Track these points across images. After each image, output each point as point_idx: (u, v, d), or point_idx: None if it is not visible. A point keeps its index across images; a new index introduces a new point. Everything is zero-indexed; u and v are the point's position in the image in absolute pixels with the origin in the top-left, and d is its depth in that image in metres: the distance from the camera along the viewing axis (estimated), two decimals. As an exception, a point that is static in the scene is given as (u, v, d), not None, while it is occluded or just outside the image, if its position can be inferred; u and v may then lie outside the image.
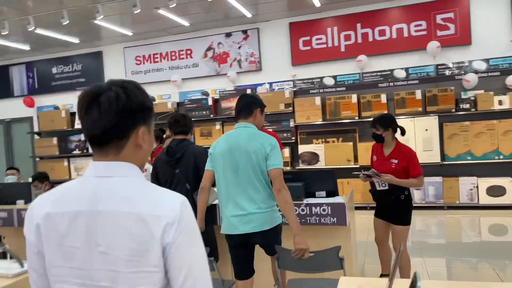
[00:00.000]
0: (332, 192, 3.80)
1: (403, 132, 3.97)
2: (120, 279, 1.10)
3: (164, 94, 9.00)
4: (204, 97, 8.58)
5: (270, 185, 2.85)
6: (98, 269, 1.10)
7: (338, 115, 7.67)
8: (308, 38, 8.07)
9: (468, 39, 7.25)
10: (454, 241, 5.87)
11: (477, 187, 7.05)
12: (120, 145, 1.16)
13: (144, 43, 9.08)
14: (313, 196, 3.80)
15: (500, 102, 6.91)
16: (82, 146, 9.19)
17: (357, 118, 7.56)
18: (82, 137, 9.17)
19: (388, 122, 3.85)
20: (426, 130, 7.17)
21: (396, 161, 3.73)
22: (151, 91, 9.06)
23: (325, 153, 7.67)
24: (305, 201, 3.61)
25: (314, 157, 7.77)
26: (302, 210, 3.55)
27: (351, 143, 7.58)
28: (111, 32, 8.36)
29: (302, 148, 7.86)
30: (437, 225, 6.73)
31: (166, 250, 1.10)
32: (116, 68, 9.31)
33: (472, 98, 7.01)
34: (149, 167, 4.71)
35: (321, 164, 7.70)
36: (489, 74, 7.14)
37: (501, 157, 6.92)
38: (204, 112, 8.33)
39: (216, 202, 3.80)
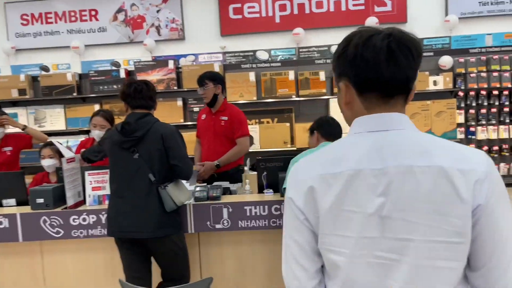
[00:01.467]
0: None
1: None
2: (411, 250, 0.91)
3: (62, 64, 7.27)
4: (114, 68, 7.14)
5: None
6: (381, 238, 0.92)
7: (274, 93, 6.97)
8: (239, 5, 7.13)
9: (404, 17, 7.07)
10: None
11: (412, 168, 7.02)
12: (406, 97, 1.04)
13: (33, -2, 7.22)
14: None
15: (435, 83, 6.89)
16: None
17: (294, 96, 6.94)
18: None
19: None
20: (365, 110, 6.87)
21: None
22: (43, 58, 7.27)
23: (260, 135, 6.95)
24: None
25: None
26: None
27: (287, 124, 6.96)
28: (-13, -21, 6.41)
29: (234, 130, 7.02)
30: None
31: (477, 214, 0.91)
32: (-8, 28, 7.28)
33: (409, 78, 6.88)
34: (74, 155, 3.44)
35: (255, 147, 6.96)
36: (424, 54, 7.07)
37: (434, 137, 6.94)
38: (114, 87, 6.92)
39: (188, 202, 2.82)
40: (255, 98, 6.96)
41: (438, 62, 6.96)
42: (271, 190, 2.94)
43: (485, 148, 7.09)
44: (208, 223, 2.76)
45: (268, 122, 7.12)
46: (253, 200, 2.80)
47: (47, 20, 7.22)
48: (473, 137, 7.07)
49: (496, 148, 7.07)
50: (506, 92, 6.94)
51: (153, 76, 6.92)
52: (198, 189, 2.88)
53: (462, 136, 7.07)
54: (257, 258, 2.88)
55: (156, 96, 2.76)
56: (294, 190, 1.01)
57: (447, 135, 6.90)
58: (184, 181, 2.75)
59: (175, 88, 6.97)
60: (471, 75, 6.94)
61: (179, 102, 7.03)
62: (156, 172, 2.56)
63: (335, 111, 6.88)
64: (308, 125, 4.40)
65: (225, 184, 3.27)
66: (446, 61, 6.89)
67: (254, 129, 6.97)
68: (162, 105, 7.01)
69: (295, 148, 6.92)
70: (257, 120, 7.14)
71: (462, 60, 6.96)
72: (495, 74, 6.90)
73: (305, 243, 0.99)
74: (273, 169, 2.92)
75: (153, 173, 2.55)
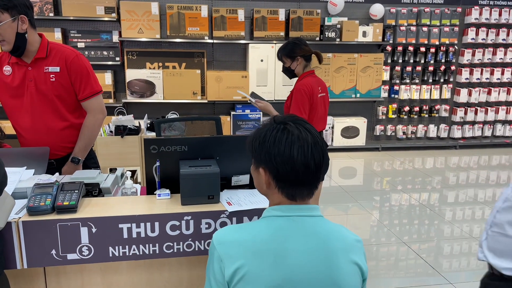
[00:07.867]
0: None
1: (319, 59, 2.98)
2: None
3: None
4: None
5: None
6: None
7: (182, 31, 5.55)
8: None
9: (337, -46, 5.96)
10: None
11: (333, 127, 6.28)
12: None
13: None
14: (229, 184, 1.94)
15: (364, 34, 6.02)
16: None
17: (207, 38, 5.61)
18: None
19: (293, 49, 2.86)
20: (288, 60, 5.81)
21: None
22: None
23: (164, 83, 5.58)
24: (225, 202, 1.70)
25: (149, 87, 5.58)
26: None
27: (198, 71, 5.66)
28: None
29: (131, 74, 5.54)
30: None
31: None
32: None
33: (338, 26, 5.92)
34: None
35: (157, 97, 5.60)
36: (353, 0, 6.14)
37: (358, 95, 6.20)
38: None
39: (13, 217, 1.57)
40: (158, 36, 5.49)
41: (369, 11, 6.07)
42: (167, 191, 1.78)
43: (407, 108, 6.58)
44: (54, 252, 1.56)
45: (174, 68, 5.76)
46: (133, 213, 1.63)
47: None
48: (396, 96, 6.49)
49: (417, 109, 6.60)
50: (433, 50, 6.35)
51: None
52: (36, 191, 1.63)
53: (386, 94, 6.46)
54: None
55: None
56: None
57: (371, 93, 6.21)
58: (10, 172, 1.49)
59: (51, 15, 5.22)
60: (401, 28, 6.20)
61: (57, 34, 5.31)
62: None
63: (254, 60, 5.73)
64: (222, 74, 3.87)
65: (90, 175, 1.80)
66: (377, 9, 5.99)
67: (156, 75, 5.57)
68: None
69: (205, 101, 5.73)
70: (160, 64, 5.72)
71: (393, 10, 6.14)
72: (425, 29, 6.24)
73: None
74: (171, 156, 1.76)
75: None
